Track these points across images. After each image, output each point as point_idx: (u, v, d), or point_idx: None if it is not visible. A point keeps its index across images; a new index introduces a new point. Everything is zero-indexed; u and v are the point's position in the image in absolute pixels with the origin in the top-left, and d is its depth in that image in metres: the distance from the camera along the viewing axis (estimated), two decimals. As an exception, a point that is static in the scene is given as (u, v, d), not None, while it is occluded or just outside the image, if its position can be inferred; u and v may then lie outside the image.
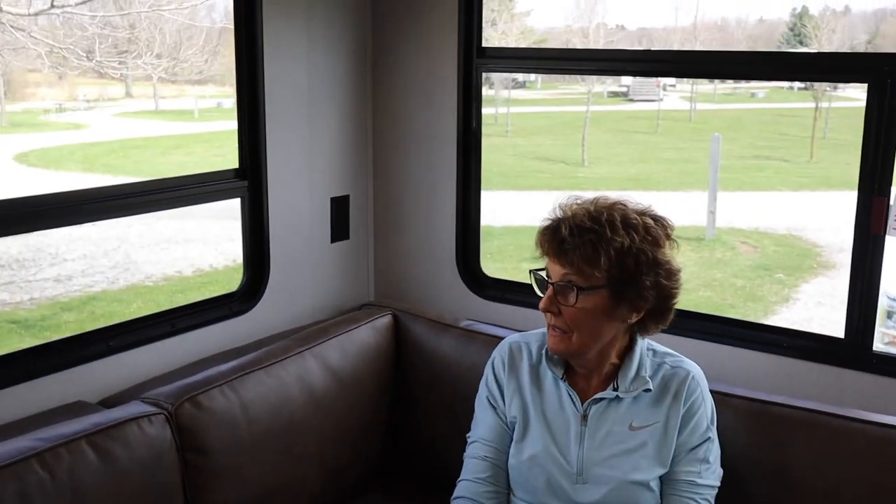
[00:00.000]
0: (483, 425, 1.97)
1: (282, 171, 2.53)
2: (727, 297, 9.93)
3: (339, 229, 2.74)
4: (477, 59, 2.58)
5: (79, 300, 10.63)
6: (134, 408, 1.90)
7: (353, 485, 2.33)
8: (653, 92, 25.63)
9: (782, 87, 26.98)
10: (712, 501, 1.85)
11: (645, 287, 1.77)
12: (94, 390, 2.13)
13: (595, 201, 1.81)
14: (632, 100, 26.18)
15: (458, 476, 1.96)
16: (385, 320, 2.49)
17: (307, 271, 2.67)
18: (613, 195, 1.84)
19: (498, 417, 1.96)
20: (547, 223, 1.82)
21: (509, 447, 1.94)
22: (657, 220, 1.82)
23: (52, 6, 6.01)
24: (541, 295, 1.83)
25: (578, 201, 1.82)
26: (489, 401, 1.98)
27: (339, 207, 2.73)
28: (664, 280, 1.79)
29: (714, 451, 1.87)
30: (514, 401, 1.94)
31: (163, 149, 21.79)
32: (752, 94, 26.18)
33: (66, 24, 8.69)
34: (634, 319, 1.82)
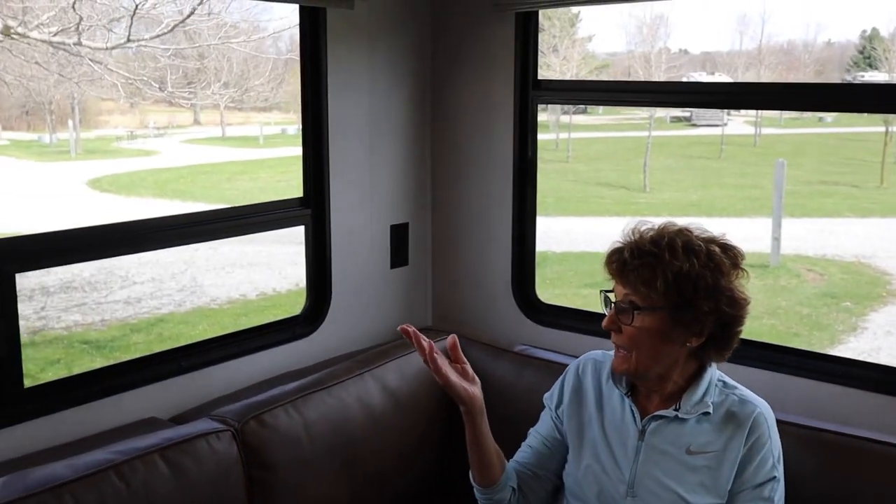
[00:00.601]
0: (542, 421, 2.10)
1: (344, 199, 2.63)
2: (792, 325, 9.75)
3: (399, 256, 2.83)
4: (532, 91, 2.66)
5: (147, 322, 10.90)
6: (203, 424, 2.01)
7: (409, 501, 2.39)
8: (717, 117, 25.34)
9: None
10: None
11: (703, 312, 1.80)
12: (166, 407, 2.25)
13: (662, 227, 1.87)
14: (695, 125, 25.92)
15: None
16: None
17: (367, 296, 2.76)
18: (683, 221, 1.89)
19: (552, 420, 2.07)
20: (614, 246, 1.89)
21: (557, 444, 2.05)
22: (725, 248, 1.85)
23: (128, 40, 6.29)
24: (606, 312, 1.89)
25: (645, 226, 1.88)
26: (548, 402, 2.09)
27: (399, 234, 2.82)
28: (726, 307, 1.82)
29: (779, 491, 1.87)
30: (571, 413, 2.03)
31: (229, 174, 22.31)
32: (820, 119, 25.71)
33: (139, 56, 9.05)
34: (695, 344, 1.85)
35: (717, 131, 23.82)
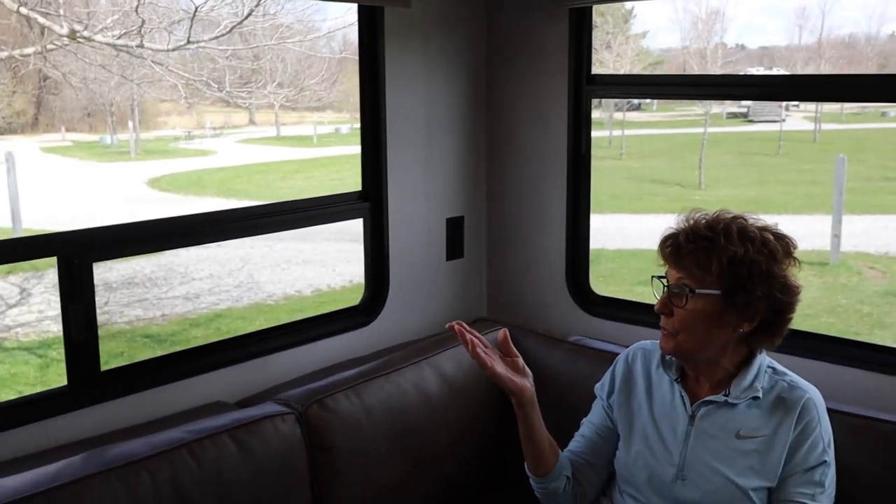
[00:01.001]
0: (593, 411, 2.15)
1: (401, 193, 2.70)
2: (852, 323, 9.58)
3: (455, 248, 2.89)
4: (587, 86, 2.70)
5: (206, 317, 11.13)
6: (268, 407, 2.10)
7: (465, 489, 2.46)
8: (774, 112, 24.91)
9: (915, 105, 25.78)
10: None
11: (756, 297, 1.83)
12: (232, 392, 2.35)
13: (716, 213, 1.90)
14: (752, 121, 25.51)
15: None
16: (494, 336, 2.61)
17: (423, 288, 2.83)
18: (737, 211, 1.92)
19: (603, 409, 2.12)
20: (668, 232, 1.93)
21: (609, 433, 2.10)
22: (778, 236, 1.88)
23: (188, 42, 6.46)
24: (656, 297, 1.93)
25: (700, 213, 1.91)
26: (599, 392, 2.15)
27: (455, 227, 2.88)
28: (778, 293, 1.84)
29: (830, 475, 1.88)
30: (621, 402, 2.07)
31: (284, 173, 22.65)
32: (883, 114, 25.10)
33: (195, 58, 9.26)
34: (746, 329, 1.87)
35: (774, 127, 23.43)
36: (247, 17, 6.50)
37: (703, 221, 1.90)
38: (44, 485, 1.67)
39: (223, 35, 6.70)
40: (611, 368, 2.16)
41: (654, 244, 1.98)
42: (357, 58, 2.59)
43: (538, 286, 2.89)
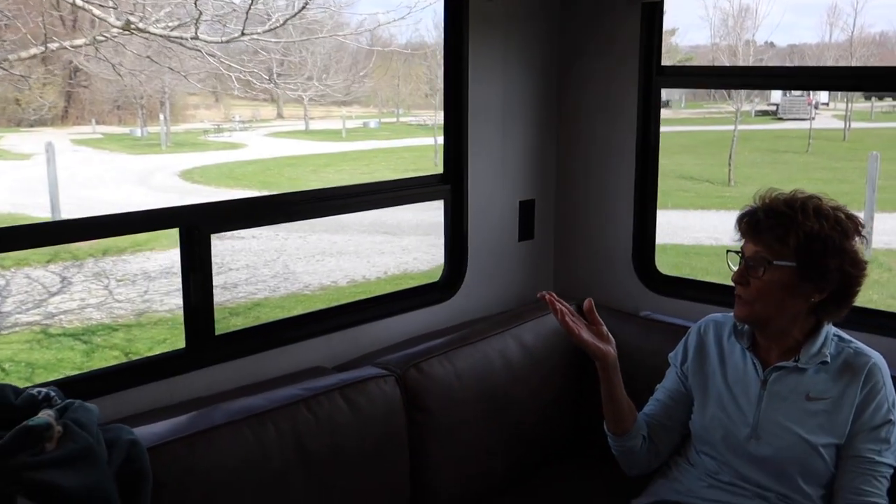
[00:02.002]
0: (667, 377, 2.32)
1: (479, 176, 2.86)
2: (884, 319, 9.62)
3: (526, 230, 3.05)
4: (657, 77, 2.85)
5: (245, 306, 11.31)
6: (370, 370, 2.27)
7: (546, 451, 2.63)
8: (804, 110, 24.81)
9: (947, 104, 25.59)
10: (888, 479, 2.01)
11: (829, 270, 1.99)
12: (329, 358, 2.53)
13: (793, 192, 2.06)
14: (781, 118, 25.42)
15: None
16: (584, 304, 2.79)
17: (497, 266, 2.99)
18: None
19: (677, 376, 2.29)
20: (746, 209, 2.08)
21: (681, 397, 2.27)
22: (849, 216, 2.04)
23: (242, 34, 6.65)
24: (733, 270, 2.08)
25: (777, 192, 2.07)
26: (673, 361, 2.32)
27: (526, 210, 3.04)
28: (849, 267, 2.00)
29: (894, 433, 2.03)
30: (695, 370, 2.23)
31: (314, 166, 22.85)
32: (913, 112, 24.95)
33: (236, 51, 9.47)
34: (817, 299, 2.03)
35: (804, 125, 23.33)
36: (302, 10, 6.67)
37: (781, 199, 2.05)
38: (182, 432, 1.86)
39: (277, 27, 6.88)
40: (684, 339, 2.31)
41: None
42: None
43: (605, 266, 3.04)
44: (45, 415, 1.68)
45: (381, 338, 2.66)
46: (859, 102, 26.02)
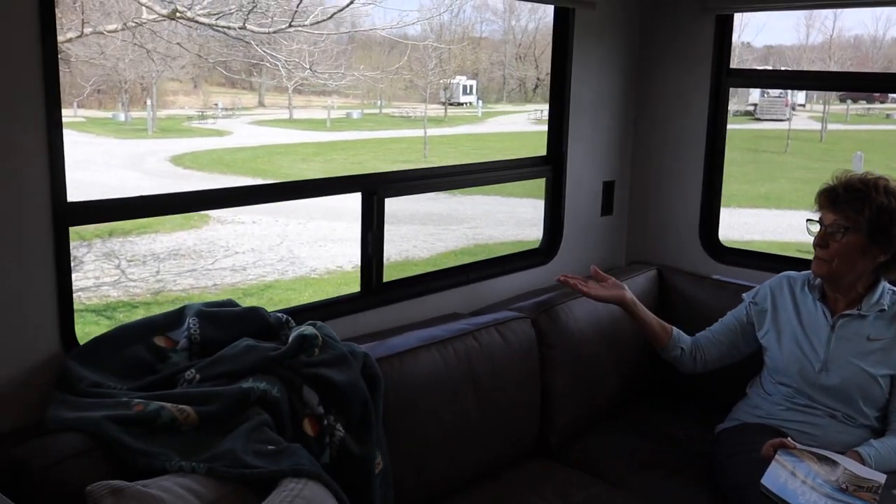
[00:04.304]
0: (738, 308, 2.87)
1: (574, 159, 3.38)
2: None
3: (607, 206, 3.58)
4: (727, 78, 3.38)
5: (256, 287, 11.69)
6: (510, 313, 2.78)
7: (641, 386, 3.19)
8: (781, 111, 25.53)
9: (920, 109, 26.50)
10: None
11: (893, 237, 2.52)
12: (461, 306, 3.03)
13: (865, 173, 2.59)
14: (759, 119, 26.11)
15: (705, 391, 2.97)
16: (652, 272, 3.33)
17: (585, 236, 3.51)
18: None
19: (746, 307, 2.84)
20: (826, 186, 2.61)
21: (742, 325, 2.83)
22: None
23: (290, 25, 7.07)
24: (812, 235, 2.61)
25: (850, 172, 2.60)
26: (747, 297, 2.85)
27: (608, 189, 3.56)
28: None
29: None
30: (773, 315, 2.75)
31: (303, 155, 23.13)
32: (888, 116, 25.82)
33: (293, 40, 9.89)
34: (882, 260, 2.56)
35: (781, 126, 24.04)
36: (349, 4, 7.11)
37: (857, 178, 2.58)
38: (401, 348, 2.37)
39: (324, 20, 7.32)
40: (760, 285, 2.85)
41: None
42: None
43: (673, 238, 3.57)
44: (310, 328, 2.17)
45: (497, 291, 3.17)
46: (835, 104, 26.76)
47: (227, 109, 29.57)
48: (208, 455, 1.76)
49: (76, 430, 1.76)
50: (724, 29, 3.36)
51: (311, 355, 2.11)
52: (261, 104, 32.26)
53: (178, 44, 8.81)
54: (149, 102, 25.50)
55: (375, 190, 2.69)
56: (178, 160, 21.10)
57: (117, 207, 2.12)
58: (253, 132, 26.30)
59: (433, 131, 24.42)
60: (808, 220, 2.66)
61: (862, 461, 2.40)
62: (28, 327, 1.95)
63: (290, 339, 2.12)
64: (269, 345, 2.11)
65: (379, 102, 31.99)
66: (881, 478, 2.30)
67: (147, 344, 2.08)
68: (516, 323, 2.72)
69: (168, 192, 2.35)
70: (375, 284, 2.77)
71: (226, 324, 2.18)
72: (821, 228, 2.60)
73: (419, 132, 23.85)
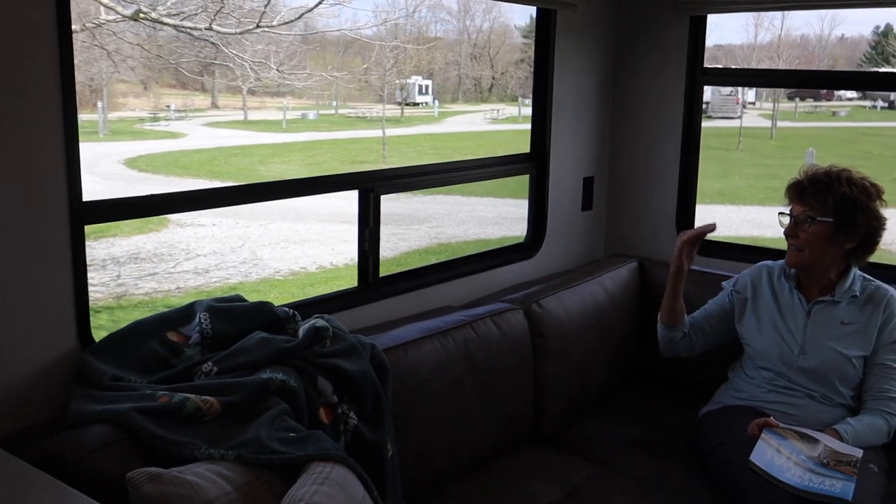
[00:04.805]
0: (719, 295, 3.00)
1: (556, 156, 3.48)
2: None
3: (587, 201, 3.69)
4: (700, 76, 3.51)
5: (220, 290, 11.60)
6: (502, 305, 2.87)
7: (618, 377, 3.30)
8: (732, 109, 26.02)
9: (864, 107, 27.26)
10: None
11: (858, 224, 2.67)
12: (452, 299, 3.11)
13: (829, 166, 2.74)
14: (710, 116, 26.59)
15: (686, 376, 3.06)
16: (633, 264, 3.45)
17: (567, 231, 3.62)
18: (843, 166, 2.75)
19: (727, 296, 2.96)
20: (793, 180, 2.75)
21: (725, 313, 2.94)
22: (873, 184, 2.72)
23: (257, 26, 7.08)
24: (783, 226, 2.75)
25: (816, 166, 2.74)
26: (727, 285, 2.98)
27: (588, 185, 3.68)
28: (873, 222, 2.69)
29: None
30: (753, 303, 2.88)
31: (260, 157, 22.96)
32: (834, 113, 26.49)
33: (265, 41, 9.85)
34: (849, 247, 2.71)
35: (733, 124, 24.49)
36: (318, 4, 7.13)
37: (821, 171, 2.73)
38: (405, 338, 2.45)
39: (292, 21, 7.34)
40: (740, 275, 2.98)
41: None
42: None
43: (650, 231, 3.69)
44: (320, 320, 2.24)
45: (486, 285, 3.26)
46: (784, 102, 27.33)
47: (179, 111, 29.25)
48: (235, 443, 1.82)
49: (105, 422, 1.81)
50: (698, 29, 3.49)
51: (323, 346, 2.18)
52: (214, 106, 31.95)
53: (138, 45, 8.71)
54: (100, 104, 25.09)
55: (372, 187, 2.76)
56: (132, 163, 20.81)
57: (131, 205, 2.17)
58: (208, 134, 26.02)
59: (391, 131, 24.44)
60: (779, 212, 2.79)
61: (840, 438, 2.54)
62: (48, 324, 1.99)
63: (303, 331, 2.19)
64: (283, 337, 2.17)
65: (334, 103, 31.93)
66: (859, 452, 2.44)
67: (160, 339, 2.13)
68: (510, 314, 2.81)
69: (180, 191, 2.40)
70: (373, 279, 2.84)
71: (235, 318, 2.24)
72: (790, 219, 2.74)
73: (376, 132, 23.84)
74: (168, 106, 29.18)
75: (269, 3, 6.91)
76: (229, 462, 1.76)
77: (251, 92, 28.19)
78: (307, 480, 1.71)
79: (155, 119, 27.51)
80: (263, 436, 1.84)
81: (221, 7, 6.89)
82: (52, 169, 1.95)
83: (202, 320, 2.19)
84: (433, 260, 3.15)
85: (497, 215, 15.27)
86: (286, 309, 2.36)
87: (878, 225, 2.72)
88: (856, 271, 2.80)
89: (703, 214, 3.62)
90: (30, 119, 1.89)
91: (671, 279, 2.89)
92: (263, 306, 2.31)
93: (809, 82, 3.77)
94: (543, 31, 3.34)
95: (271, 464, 1.78)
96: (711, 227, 2.82)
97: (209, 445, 1.80)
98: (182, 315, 2.22)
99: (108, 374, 1.97)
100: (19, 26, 1.85)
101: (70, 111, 1.96)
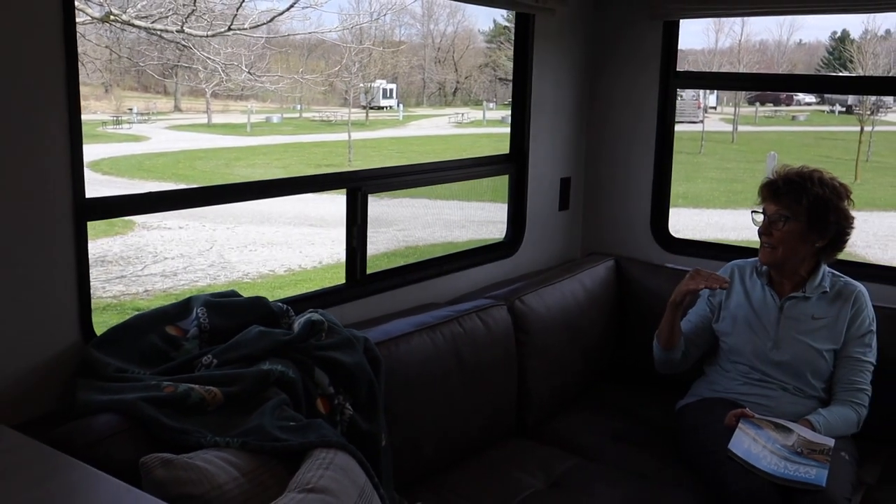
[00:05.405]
0: (698, 304, 3.07)
1: (535, 157, 3.57)
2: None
3: (564, 201, 3.79)
4: (673, 80, 3.63)
5: (189, 292, 11.55)
6: (486, 301, 2.95)
7: (602, 370, 3.39)
8: (694, 114, 26.41)
9: (823, 111, 27.83)
10: (870, 372, 2.84)
11: (829, 223, 2.79)
12: (436, 297, 3.19)
13: (801, 167, 2.86)
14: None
15: (660, 374, 3.10)
16: (610, 263, 3.55)
17: (545, 230, 3.71)
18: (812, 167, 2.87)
19: (706, 304, 3.04)
20: (767, 180, 2.86)
21: (708, 321, 3.02)
22: (843, 185, 2.85)
23: (229, 29, 7.10)
24: (757, 225, 2.86)
25: (788, 167, 2.86)
26: (703, 293, 3.03)
27: (565, 185, 3.78)
28: (843, 221, 2.82)
29: (874, 340, 2.86)
30: (725, 303, 2.99)
31: (225, 160, 22.86)
32: (793, 118, 26.99)
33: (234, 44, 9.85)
34: (820, 245, 2.83)
35: (695, 128, 24.86)
36: (290, 8, 7.17)
37: (794, 171, 2.85)
38: (395, 332, 2.52)
39: (264, 24, 7.37)
40: None
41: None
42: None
43: (626, 231, 3.80)
44: (315, 314, 2.30)
45: (468, 282, 3.34)
46: (744, 107, 27.78)
47: (142, 114, 29.03)
48: (239, 431, 1.88)
49: (112, 412, 1.86)
50: (671, 34, 3.61)
51: (319, 339, 2.24)
52: (177, 109, 31.75)
53: (106, 47, 8.68)
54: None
55: (360, 186, 2.83)
56: (95, 166, 20.60)
57: (133, 202, 2.22)
58: (171, 137, 25.85)
59: (356, 135, 24.46)
60: (753, 211, 2.91)
61: (813, 428, 2.66)
62: (52, 317, 2.03)
63: (300, 324, 2.25)
64: (280, 331, 2.23)
65: (299, 107, 31.85)
66: (830, 442, 2.56)
67: (160, 333, 2.18)
68: (495, 310, 2.89)
69: (183, 188, 2.45)
70: (360, 276, 2.91)
71: (232, 313, 2.30)
72: (764, 219, 2.86)
73: (341, 136, 23.84)
74: (130, 109, 28.93)
75: (240, 5, 6.94)
76: (235, 449, 1.82)
77: (214, 95, 28.06)
78: (312, 465, 1.77)
79: (117, 122, 27.27)
80: (266, 424, 1.90)
81: (193, 10, 6.90)
82: (57, 167, 1.99)
83: (199, 315, 2.24)
84: (401, 262, 3.21)
85: (464, 218, 15.37)
86: (280, 304, 2.42)
87: (846, 224, 2.84)
88: (825, 268, 2.92)
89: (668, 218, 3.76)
90: (37, 118, 1.94)
91: (672, 308, 2.94)
92: (259, 301, 2.37)
93: (780, 85, 3.89)
94: (522, 34, 3.43)
95: (275, 451, 1.84)
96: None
97: (214, 434, 1.86)
98: (180, 310, 2.27)
99: (112, 365, 2.01)
100: (27, 24, 1.90)
101: (74, 110, 2.00)
